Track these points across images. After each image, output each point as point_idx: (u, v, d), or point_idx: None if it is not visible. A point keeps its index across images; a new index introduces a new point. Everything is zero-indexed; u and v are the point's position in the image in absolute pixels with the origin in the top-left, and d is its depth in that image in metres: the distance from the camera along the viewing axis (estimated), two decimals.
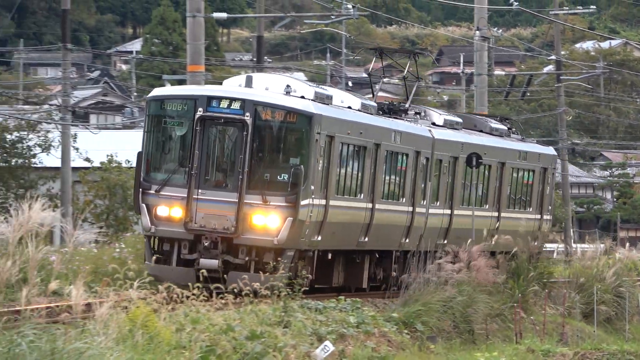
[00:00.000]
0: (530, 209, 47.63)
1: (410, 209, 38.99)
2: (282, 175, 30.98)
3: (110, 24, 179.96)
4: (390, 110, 39.28)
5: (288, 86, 32.78)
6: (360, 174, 35.39)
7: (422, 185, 39.80)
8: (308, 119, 30.87)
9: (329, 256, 34.43)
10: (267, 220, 30.57)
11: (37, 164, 66.83)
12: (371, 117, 36.59)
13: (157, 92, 33.35)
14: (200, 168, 30.82)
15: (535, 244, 45.94)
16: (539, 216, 47.80)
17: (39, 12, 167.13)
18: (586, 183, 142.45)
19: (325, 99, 33.40)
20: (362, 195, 35.26)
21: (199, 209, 30.73)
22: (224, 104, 31.14)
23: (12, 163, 66.44)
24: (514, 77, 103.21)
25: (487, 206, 44.67)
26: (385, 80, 49.67)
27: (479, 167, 42.75)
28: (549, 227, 50.45)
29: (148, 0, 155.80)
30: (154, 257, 30.69)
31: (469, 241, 41.39)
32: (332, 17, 70.99)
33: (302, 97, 32.57)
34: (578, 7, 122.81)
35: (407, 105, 41.33)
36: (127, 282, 20.66)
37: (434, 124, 40.97)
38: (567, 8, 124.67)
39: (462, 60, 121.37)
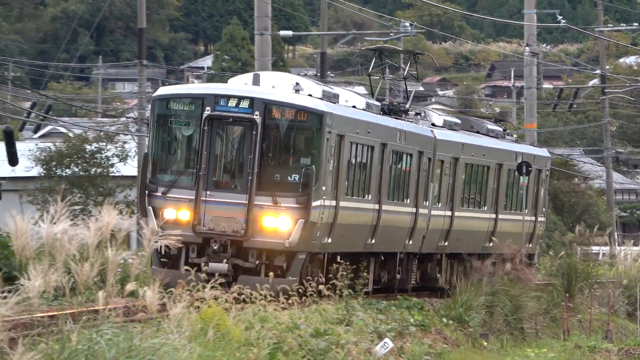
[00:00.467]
0: (526, 211, 44.66)
1: (414, 210, 36.40)
2: (293, 175, 28.70)
3: (183, 41, 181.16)
4: (391, 110, 36.77)
5: (297, 84, 30.35)
6: (367, 175, 33.16)
7: (424, 186, 37.28)
8: (319, 117, 28.57)
9: (338, 259, 31.53)
10: (277, 222, 28.24)
11: (114, 173, 67.31)
12: (377, 116, 34.33)
13: (162, 91, 30.88)
14: (209, 169, 28.63)
15: (530, 245, 44.83)
16: (533, 218, 45.56)
17: (116, 31, 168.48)
18: (630, 189, 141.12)
19: (333, 98, 31.21)
20: (370, 196, 32.99)
21: (208, 211, 28.46)
22: (233, 102, 28.74)
23: (92, 172, 67.06)
24: (562, 90, 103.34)
25: (486, 208, 41.86)
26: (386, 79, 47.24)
27: (528, 174, 41.98)
28: (543, 229, 48.18)
29: (218, 19, 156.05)
30: (162, 262, 28.27)
31: (507, 241, 40.70)
32: (391, 34, 71.72)
33: (310, 95, 30.48)
34: (622, 24, 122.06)
35: (407, 106, 38.78)
36: (198, 283, 21.08)
37: (433, 124, 38.99)
38: (611, 25, 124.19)
39: (512, 75, 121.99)
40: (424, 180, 36.85)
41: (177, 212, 28.24)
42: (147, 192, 28.48)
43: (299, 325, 24.07)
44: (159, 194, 28.48)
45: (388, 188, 34.21)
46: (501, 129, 45.64)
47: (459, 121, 41.15)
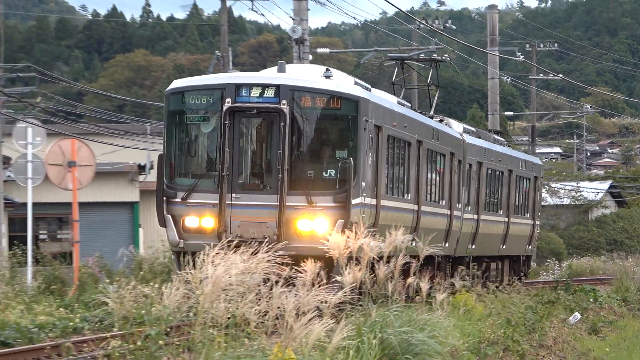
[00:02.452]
0: (527, 215, 39.34)
1: (449, 212, 29.75)
2: (329, 171, 21.00)
3: None
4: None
5: (327, 70, 23.40)
6: (406, 172, 26.14)
7: (457, 189, 30.41)
8: (355, 103, 21.11)
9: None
10: (314, 224, 20.69)
11: None
12: (412, 111, 27.85)
13: (176, 83, 22.68)
14: (233, 169, 21.10)
15: (529, 247, 39.91)
16: (532, 221, 39.87)
17: None
18: None
19: (365, 89, 23.93)
20: (410, 195, 26.14)
21: (234, 216, 20.98)
22: (256, 92, 21.04)
23: None
24: None
25: (501, 212, 35.75)
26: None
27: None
28: (539, 232, 43.58)
29: (460, 101, 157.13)
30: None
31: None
32: (577, 113, 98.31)
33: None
34: None
35: (431, 113, 31.30)
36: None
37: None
38: None
39: None
40: (457, 182, 30.45)
41: (200, 220, 21.13)
42: (164, 198, 21.40)
43: (520, 305, 25.42)
44: (178, 200, 21.37)
45: (425, 188, 27.56)
46: (504, 140, 40.95)
47: (474, 129, 35.04)
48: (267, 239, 18.58)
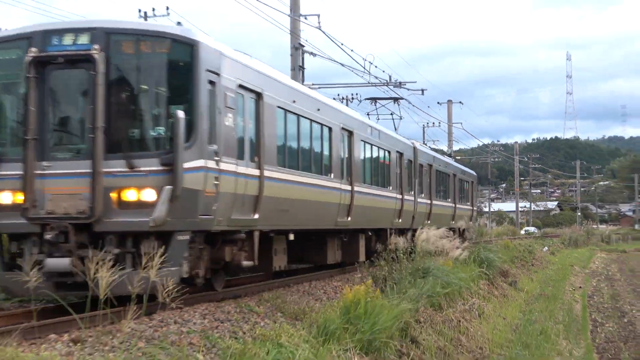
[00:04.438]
0: (468, 203, 53.94)
1: (400, 196, 33.26)
2: (157, 129, 15.94)
3: None
4: None
5: (179, 23, 20.23)
6: (333, 154, 24.57)
7: (407, 180, 35.23)
8: (189, 48, 16.05)
9: (291, 237, 22.60)
10: (139, 193, 15.55)
11: None
12: (336, 102, 29.05)
13: None
14: (42, 131, 16.02)
15: (471, 222, 53.19)
16: (472, 207, 55.87)
17: None
18: None
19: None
20: (333, 175, 24.35)
21: (46, 188, 15.84)
22: (69, 39, 15.92)
23: None
24: None
25: (450, 200, 46.55)
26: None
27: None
28: (476, 213, 61.73)
29: None
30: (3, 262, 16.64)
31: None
32: None
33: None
34: None
35: (397, 132, 38.79)
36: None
37: (415, 147, 38.15)
38: None
39: None
40: (407, 176, 35.22)
41: (10, 195, 16.10)
42: None
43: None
44: None
45: (363, 173, 28.17)
46: (451, 158, 61.32)
47: (430, 147, 52.60)
48: (81, 214, 15.45)
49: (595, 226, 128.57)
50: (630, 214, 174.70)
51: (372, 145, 29.75)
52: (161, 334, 13.17)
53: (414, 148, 36.84)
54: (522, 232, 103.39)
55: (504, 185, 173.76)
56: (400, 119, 44.52)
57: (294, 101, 21.64)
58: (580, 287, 40.94)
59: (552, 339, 22.55)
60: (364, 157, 28.80)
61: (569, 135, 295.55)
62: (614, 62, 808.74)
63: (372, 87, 44.04)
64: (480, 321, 22.44)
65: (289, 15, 33.70)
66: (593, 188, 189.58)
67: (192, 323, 14.72)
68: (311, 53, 35.04)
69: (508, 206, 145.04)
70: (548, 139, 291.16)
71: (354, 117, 28.28)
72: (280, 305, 18.17)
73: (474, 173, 58.80)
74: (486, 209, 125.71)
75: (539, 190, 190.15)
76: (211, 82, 16.53)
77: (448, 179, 45.56)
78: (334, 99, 37.41)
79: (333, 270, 27.69)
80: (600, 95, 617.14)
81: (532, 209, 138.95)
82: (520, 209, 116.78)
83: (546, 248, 66.41)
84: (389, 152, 32.20)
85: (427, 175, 39.19)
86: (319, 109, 23.79)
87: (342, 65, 38.47)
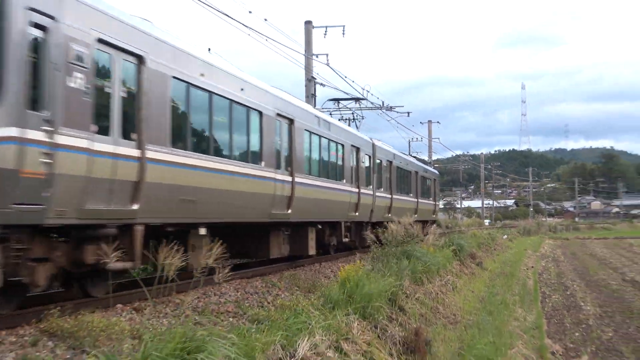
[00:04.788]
0: (431, 199, 46.61)
1: (357, 190, 26.61)
2: None
3: None
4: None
5: None
6: (264, 141, 18.17)
7: (364, 175, 28.22)
8: None
9: (202, 231, 15.42)
10: None
11: None
12: (287, 94, 20.76)
13: None
14: None
15: (434, 216, 47.66)
16: (434, 202, 47.99)
17: None
18: None
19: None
20: (264, 163, 17.89)
21: None
22: None
23: None
24: None
25: (412, 195, 39.44)
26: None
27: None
28: (438, 208, 51.18)
29: None
30: None
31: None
32: None
33: None
34: None
35: (358, 129, 34.87)
36: None
37: (374, 144, 31.46)
38: None
39: None
40: (364, 170, 28.23)
41: None
42: None
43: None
44: None
45: (307, 163, 21.27)
46: (415, 158, 50.71)
47: (392, 147, 35.67)
48: None
49: (544, 219, 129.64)
50: (571, 209, 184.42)
51: (320, 136, 23.04)
52: (203, 304, 13.23)
53: (373, 144, 30.77)
54: (486, 222, 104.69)
55: (472, 186, 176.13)
56: (362, 118, 38.88)
57: (202, 74, 14.95)
58: (532, 267, 38.79)
59: (510, 307, 22.19)
60: (310, 147, 22.02)
61: (523, 147, 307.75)
62: (559, 89, 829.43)
63: (369, 111, 42.48)
64: (454, 294, 22.07)
65: (304, 55, 33.47)
66: (542, 189, 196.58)
67: (228, 295, 14.56)
68: (321, 84, 34.33)
69: (476, 203, 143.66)
70: (507, 150, 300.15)
71: (295, 105, 21.06)
72: (296, 282, 18.02)
73: (437, 172, 52.28)
74: (458, 206, 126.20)
75: (500, 191, 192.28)
76: (39, 26, 10.57)
77: (410, 175, 39.10)
78: (339, 119, 35.05)
79: (339, 254, 26.49)
80: (548, 116, 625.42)
81: (494, 205, 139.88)
82: (485, 206, 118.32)
83: (505, 236, 64.97)
84: (342, 145, 25.55)
85: (387, 171, 33.06)
86: (242, 89, 16.98)
87: (346, 93, 38.31)
